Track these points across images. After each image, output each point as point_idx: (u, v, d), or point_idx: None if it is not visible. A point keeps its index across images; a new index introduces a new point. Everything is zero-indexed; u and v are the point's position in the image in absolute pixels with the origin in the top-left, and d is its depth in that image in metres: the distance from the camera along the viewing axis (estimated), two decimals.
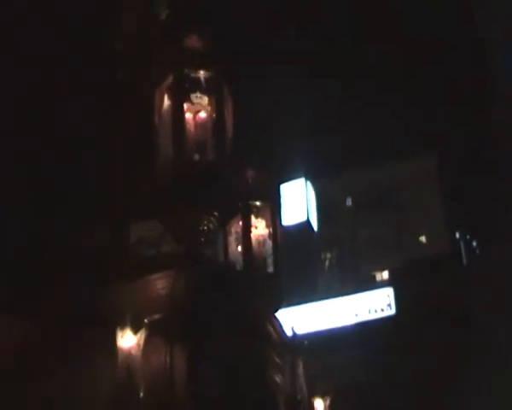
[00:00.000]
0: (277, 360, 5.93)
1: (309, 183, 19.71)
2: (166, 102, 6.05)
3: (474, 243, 19.11)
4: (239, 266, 6.81)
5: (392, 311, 20.30)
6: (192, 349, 5.23)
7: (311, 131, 18.47)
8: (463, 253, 19.34)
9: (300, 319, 17.19)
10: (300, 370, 5.89)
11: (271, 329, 6.19)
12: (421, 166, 19.74)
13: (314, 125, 18.41)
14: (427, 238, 19.77)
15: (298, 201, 19.08)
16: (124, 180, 6.28)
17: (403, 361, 18.39)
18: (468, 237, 19.13)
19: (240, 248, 7.00)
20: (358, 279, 20.56)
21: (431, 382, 18.68)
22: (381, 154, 19.37)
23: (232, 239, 6.86)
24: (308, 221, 19.73)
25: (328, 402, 6.72)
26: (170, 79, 6.01)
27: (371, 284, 20.37)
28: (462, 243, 19.34)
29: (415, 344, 18.76)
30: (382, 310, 20.46)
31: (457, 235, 19.26)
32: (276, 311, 6.73)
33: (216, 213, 5.82)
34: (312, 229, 20.06)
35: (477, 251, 19.14)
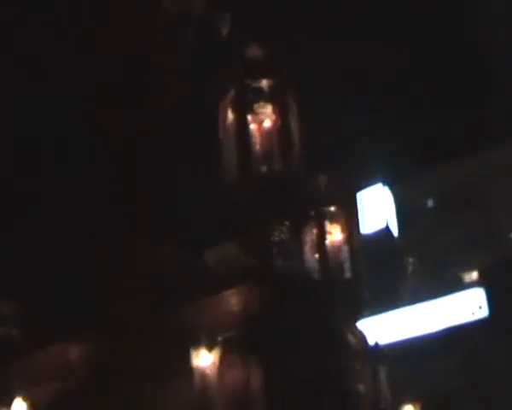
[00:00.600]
0: (359, 368, 5.74)
1: (387, 188, 19.28)
2: (230, 115, 6.00)
3: None
4: (316, 274, 6.67)
5: (484, 313, 19.52)
6: (268, 365, 5.11)
7: (386, 135, 18.11)
8: None
9: (386, 327, 16.80)
10: (383, 378, 5.68)
11: (352, 337, 6.01)
12: (503, 160, 19.01)
13: (388, 128, 18.04)
14: None
15: (376, 207, 18.68)
16: (195, 200, 6.23)
17: (498, 367, 17.67)
18: None
19: (316, 256, 6.88)
20: (445, 282, 19.91)
21: None
22: (462, 151, 18.77)
23: (307, 248, 6.74)
24: (388, 227, 19.29)
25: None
26: (232, 92, 5.96)
27: (459, 286, 19.67)
28: None
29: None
30: (473, 313, 19.71)
31: None
32: (358, 317, 6.55)
33: (287, 223, 5.69)
34: (392, 235, 19.61)
35: None
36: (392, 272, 18.49)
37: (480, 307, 19.17)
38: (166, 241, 6.34)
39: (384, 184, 19.10)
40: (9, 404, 5.50)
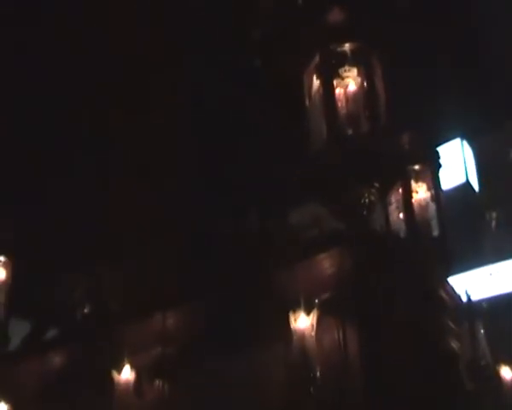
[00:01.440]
0: (453, 326, 5.82)
1: (465, 142, 18.97)
2: (315, 81, 6.07)
3: None
4: (402, 234, 6.76)
5: None
6: (363, 326, 5.24)
7: (463, 88, 17.75)
8: None
9: (472, 284, 16.61)
10: (481, 335, 5.74)
11: (445, 294, 6.08)
12: None
13: (465, 81, 17.68)
14: None
15: (455, 162, 18.42)
16: (279, 165, 6.40)
17: None
18: None
19: (401, 216, 6.96)
20: None
21: None
22: None
23: (393, 208, 6.82)
24: (468, 182, 19.01)
25: None
26: (316, 59, 6.03)
27: None
28: None
29: None
30: None
31: None
32: (448, 275, 6.61)
33: (376, 185, 5.78)
34: (473, 190, 19.32)
35: None
36: (474, 227, 18.27)
37: None
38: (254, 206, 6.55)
39: (463, 138, 18.81)
40: (119, 371, 5.82)
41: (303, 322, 5.15)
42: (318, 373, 5.00)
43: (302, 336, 5.12)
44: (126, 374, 5.89)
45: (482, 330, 5.71)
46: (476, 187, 19.17)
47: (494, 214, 18.92)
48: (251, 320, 5.48)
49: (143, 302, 6.18)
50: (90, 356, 6.22)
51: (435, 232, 7.06)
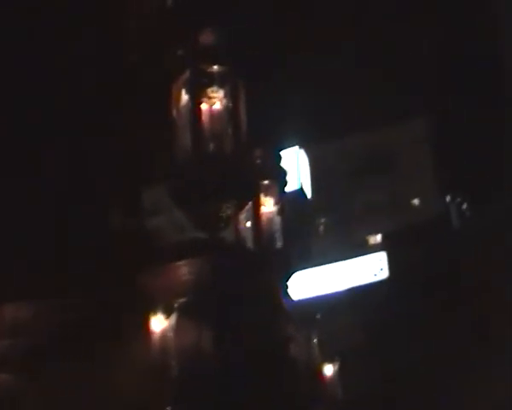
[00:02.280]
0: (293, 332, 6.52)
1: (302, 151, 20.13)
2: (183, 95, 6.51)
3: (465, 206, 19.70)
4: (251, 245, 7.39)
5: (384, 275, 20.82)
6: (216, 328, 5.78)
7: (304, 98, 18.86)
8: (454, 215, 19.92)
9: (297, 285, 17.68)
10: (314, 341, 6.49)
11: (285, 302, 6.78)
12: (413, 130, 20.21)
13: (307, 92, 18.81)
14: (420, 202, 20.31)
15: (291, 169, 19.48)
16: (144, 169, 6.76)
17: (397, 326, 18.93)
18: (459, 199, 19.71)
19: (248, 225, 7.60)
20: (352, 244, 21.09)
21: (424, 345, 19.27)
22: (375, 119, 19.80)
23: (243, 219, 7.43)
24: (301, 189, 20.19)
25: (336, 367, 7.37)
26: (187, 74, 6.47)
27: (364, 249, 20.89)
28: (452, 206, 19.91)
29: (409, 308, 19.29)
30: (375, 275, 21.01)
31: (448, 198, 19.81)
32: (287, 284, 7.34)
33: (233, 200, 6.34)
34: (305, 196, 20.55)
35: (467, 213, 19.73)
36: (304, 233, 19.46)
37: (382, 270, 20.49)
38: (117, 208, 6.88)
39: (300, 146, 19.94)
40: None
41: (161, 323, 5.60)
42: (176, 368, 5.47)
43: (161, 336, 5.57)
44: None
45: (315, 337, 6.46)
46: (309, 193, 20.43)
47: (322, 220, 20.28)
48: (111, 319, 5.82)
49: None
50: None
51: (279, 244, 7.77)
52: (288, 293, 7.11)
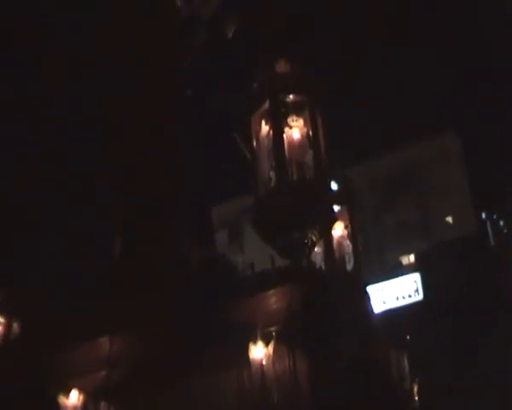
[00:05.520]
0: (386, 354, 6.79)
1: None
2: (264, 126, 6.80)
3: (502, 223, 19.96)
4: (329, 269, 7.69)
5: (419, 296, 21.05)
6: (312, 356, 6.04)
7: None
8: (490, 233, 20.16)
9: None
10: (405, 362, 6.77)
11: (372, 325, 7.07)
12: (443, 146, 20.53)
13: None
14: (453, 220, 20.59)
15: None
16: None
17: (433, 347, 19.13)
18: (494, 216, 19.97)
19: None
20: (384, 266, 21.37)
21: (462, 365, 19.43)
22: (403, 136, 20.14)
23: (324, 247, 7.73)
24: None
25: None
26: (266, 105, 6.76)
27: (398, 271, 21.14)
28: (488, 223, 20.16)
29: (444, 328, 19.49)
30: (410, 296, 21.22)
31: (484, 215, 20.08)
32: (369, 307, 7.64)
33: (317, 226, 6.61)
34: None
35: (504, 230, 19.97)
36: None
37: (417, 291, 20.71)
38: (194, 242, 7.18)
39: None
40: (66, 394, 6.19)
41: (261, 351, 5.86)
42: (274, 399, 5.72)
43: (260, 364, 5.82)
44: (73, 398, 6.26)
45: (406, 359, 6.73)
46: None
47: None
48: (206, 346, 6.08)
49: (88, 327, 6.56)
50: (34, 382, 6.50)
51: (350, 267, 8.08)
52: (373, 313, 7.40)
